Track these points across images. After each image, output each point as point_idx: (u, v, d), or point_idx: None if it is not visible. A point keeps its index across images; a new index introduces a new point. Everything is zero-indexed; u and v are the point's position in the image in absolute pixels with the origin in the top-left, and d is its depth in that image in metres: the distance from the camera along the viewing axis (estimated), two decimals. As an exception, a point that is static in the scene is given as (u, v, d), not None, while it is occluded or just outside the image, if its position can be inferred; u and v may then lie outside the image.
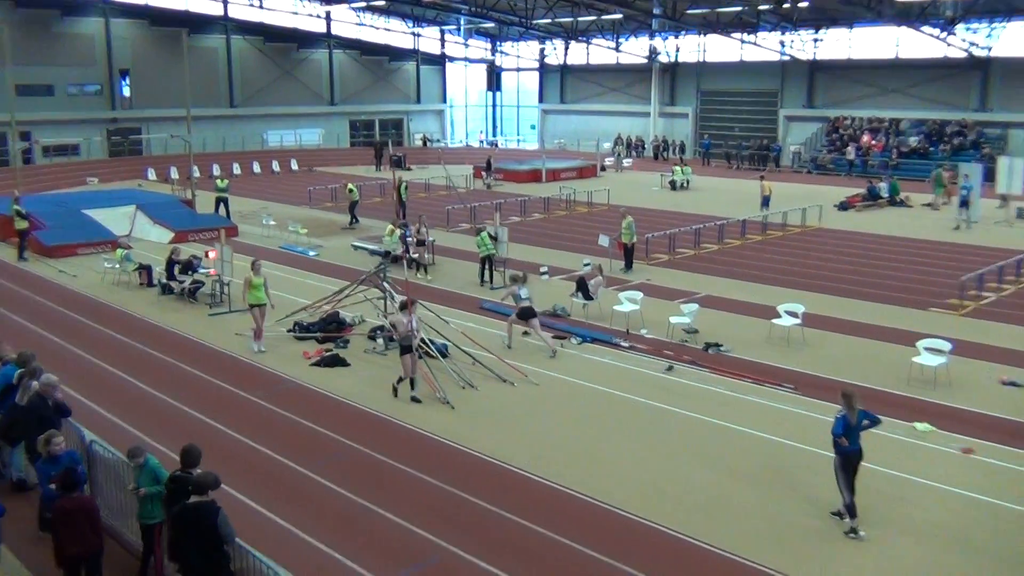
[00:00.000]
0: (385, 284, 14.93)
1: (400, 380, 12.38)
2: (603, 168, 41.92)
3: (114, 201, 26.81)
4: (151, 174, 41.10)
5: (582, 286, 16.20)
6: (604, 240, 20.16)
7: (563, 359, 14.05)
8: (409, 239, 21.57)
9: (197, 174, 38.79)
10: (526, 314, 14.30)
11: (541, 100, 55.86)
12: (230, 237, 23.33)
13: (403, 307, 12.32)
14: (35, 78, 41.68)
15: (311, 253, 23.05)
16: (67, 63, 41.94)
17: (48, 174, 39.64)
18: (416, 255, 20.89)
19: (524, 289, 14.63)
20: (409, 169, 44.31)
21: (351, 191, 28.23)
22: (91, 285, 19.38)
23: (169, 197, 29.54)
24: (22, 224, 22.08)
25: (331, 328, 15.24)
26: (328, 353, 14.25)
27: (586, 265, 18.99)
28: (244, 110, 48.92)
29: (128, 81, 45.77)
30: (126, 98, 46.48)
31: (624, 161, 43.89)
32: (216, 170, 41.39)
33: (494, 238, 18.93)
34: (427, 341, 13.78)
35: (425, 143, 53.37)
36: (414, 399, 12.08)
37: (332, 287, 17.78)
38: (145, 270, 19.37)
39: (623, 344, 14.51)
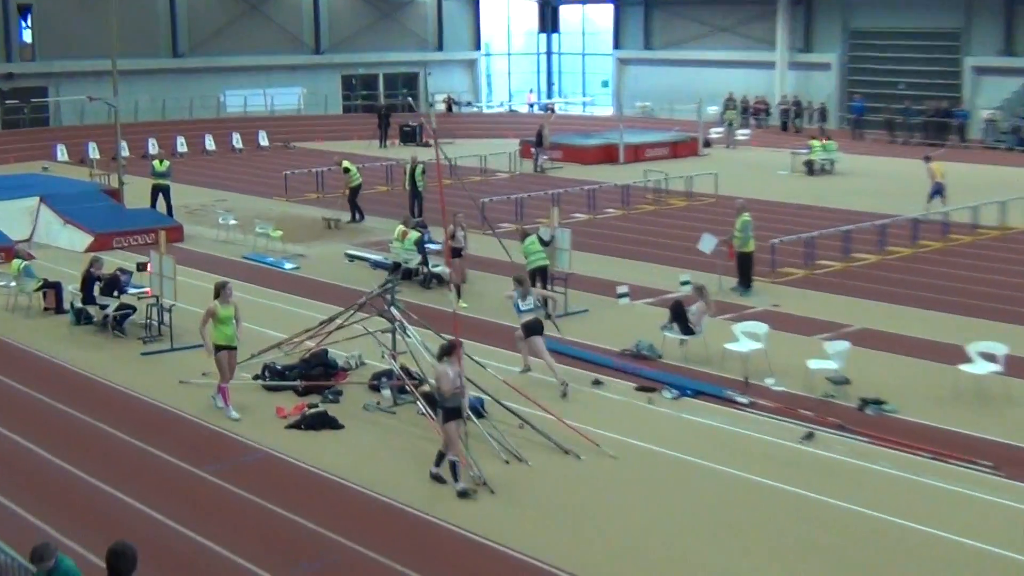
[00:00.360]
0: (394, 310, 14.96)
1: (441, 461, 11.99)
2: (707, 143, 41.74)
3: (9, 191, 27.67)
4: (61, 153, 42.57)
5: (679, 314, 16.20)
6: (708, 244, 19.99)
7: (653, 420, 14.06)
8: (431, 245, 22.10)
9: (126, 153, 40.29)
10: (531, 329, 14.82)
11: (617, 46, 55.59)
12: (172, 243, 23.98)
13: (446, 352, 11.94)
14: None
15: (288, 265, 23.49)
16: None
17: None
18: (440, 268, 21.26)
19: (529, 298, 15.41)
20: (427, 144, 45.33)
21: (349, 172, 28.75)
22: (-23, 311, 20.14)
23: (87, 185, 30.60)
24: None
25: (316, 374, 15.47)
26: (312, 410, 14.43)
27: (685, 284, 18.90)
28: (193, 61, 50.21)
29: (29, 21, 47.51)
30: (26, 45, 48.10)
31: (738, 133, 43.74)
32: (153, 147, 42.55)
33: (547, 243, 19.08)
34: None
35: (450, 107, 53.98)
36: (463, 494, 11.61)
37: (318, 315, 18.02)
38: (52, 290, 19.88)
39: (740, 400, 14.51)
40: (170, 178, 28.58)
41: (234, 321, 14.39)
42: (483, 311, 18.98)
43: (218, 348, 14.37)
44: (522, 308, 15.38)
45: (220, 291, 14.49)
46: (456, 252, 19.47)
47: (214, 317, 14.30)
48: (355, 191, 28.53)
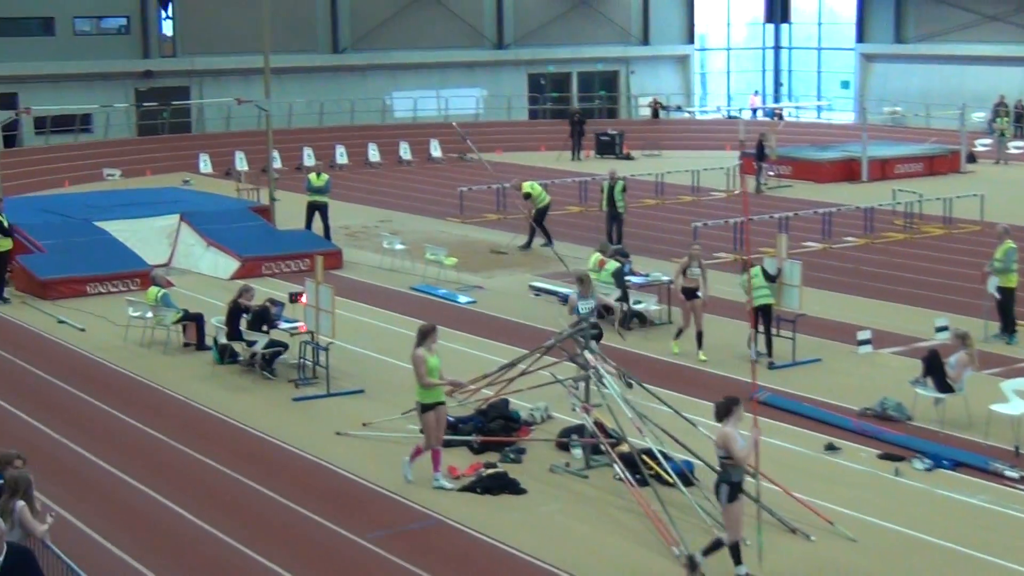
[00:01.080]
0: (588, 354, 15.08)
1: (715, 547, 11.69)
2: (972, 158, 41.34)
3: (146, 208, 29.44)
4: (204, 163, 44.93)
5: (934, 367, 15.93)
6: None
7: (900, 495, 13.88)
8: (632, 278, 22.32)
9: (278, 164, 42.86)
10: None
11: (860, 39, 55.30)
12: (330, 270, 24.96)
13: (726, 411, 11.63)
14: (21, 7, 46.68)
15: (463, 299, 24.10)
16: (76, -16, 47.76)
17: (43, 163, 43.78)
18: (642, 306, 21.39)
19: (591, 300, 16.60)
20: (629, 157, 45.96)
21: (532, 194, 29.32)
22: (107, 345, 21.13)
23: (233, 202, 32.35)
24: (3, 244, 24.53)
25: (495, 428, 15.76)
26: (490, 470, 14.62)
27: (942, 331, 18.45)
28: (356, 58, 52.49)
29: (170, 11, 50.36)
30: (167, 39, 51.27)
31: (1010, 145, 43.12)
32: (310, 158, 44.64)
33: (773, 278, 19.02)
34: (655, 454, 14.06)
35: (656, 112, 54.19)
36: None
37: (497, 358, 18.39)
38: (193, 322, 20.87)
39: (1010, 474, 14.28)
40: (328, 194, 29.75)
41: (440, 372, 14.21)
42: (716, 363, 19.00)
43: (425, 407, 14.20)
44: (581, 311, 16.48)
45: (426, 336, 14.27)
46: (690, 292, 19.41)
47: (424, 364, 14.09)
48: (542, 212, 29.06)
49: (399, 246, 27.52)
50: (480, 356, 19.41)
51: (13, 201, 29.91)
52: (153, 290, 21.02)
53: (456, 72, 53.52)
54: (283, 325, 19.44)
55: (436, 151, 47.31)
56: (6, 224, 24.40)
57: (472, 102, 53.20)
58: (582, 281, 17.06)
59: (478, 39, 54.35)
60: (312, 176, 29.96)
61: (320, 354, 18.42)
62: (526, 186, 29.67)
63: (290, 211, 30.99)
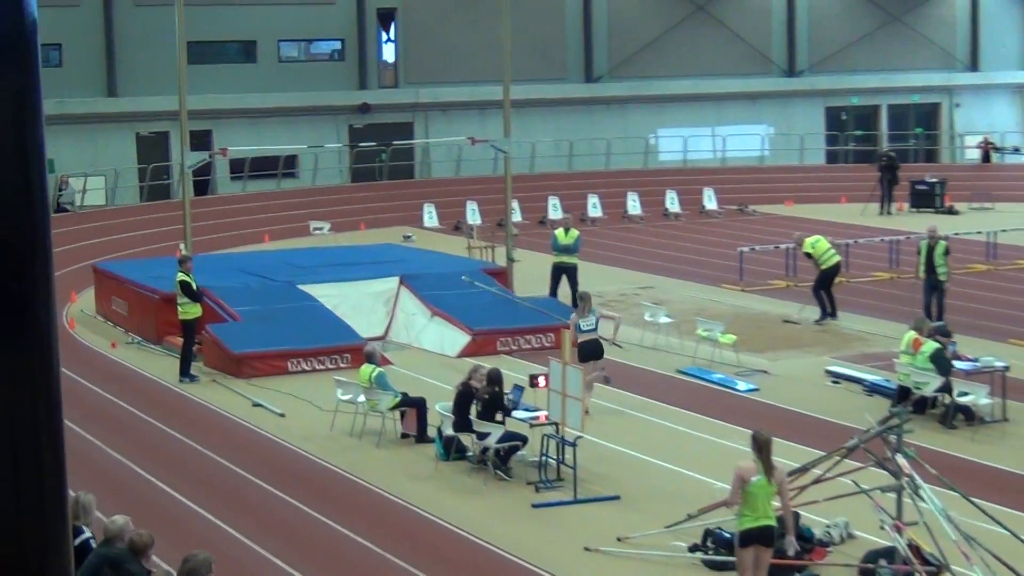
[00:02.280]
0: (901, 459, 14.72)
1: None
2: None
3: (359, 270, 30.61)
4: (429, 216, 46.60)
5: None
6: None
7: None
8: (959, 364, 21.62)
9: (518, 217, 44.44)
10: (588, 353, 17.11)
11: None
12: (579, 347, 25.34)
13: None
14: (217, 29, 49.58)
15: (743, 386, 24.04)
16: (275, 0, 49.79)
17: (240, 213, 46.31)
18: (970, 398, 20.77)
19: (591, 318, 18.72)
20: (952, 212, 44.92)
21: (814, 254, 29.20)
22: (311, 433, 21.77)
23: (463, 263, 33.08)
24: (190, 311, 25.65)
25: (782, 547, 15.62)
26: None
27: None
28: (613, 88, 54.36)
29: (393, 34, 53.13)
30: (388, 67, 53.92)
31: None
32: (556, 209, 45.99)
33: None
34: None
35: (988, 154, 53.16)
36: None
37: (786, 461, 17.86)
38: (413, 409, 21.26)
39: None
40: (578, 254, 30.11)
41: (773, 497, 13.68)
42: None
43: (745, 538, 13.79)
44: (582, 328, 18.54)
45: (763, 446, 13.87)
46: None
47: (743, 484, 13.64)
48: (828, 274, 28.85)
49: (664, 319, 27.53)
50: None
51: (204, 260, 31.42)
52: (367, 369, 21.44)
53: (736, 105, 53.67)
54: (521, 414, 19.58)
55: (710, 202, 47.27)
56: (195, 287, 25.46)
57: (756, 141, 53.11)
58: (582, 299, 18.60)
59: (764, 65, 54.39)
60: (559, 232, 30.33)
61: (566, 451, 18.53)
62: (807, 243, 29.40)
63: (532, 274, 31.55)
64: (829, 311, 28.66)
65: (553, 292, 29.89)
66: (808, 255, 29.35)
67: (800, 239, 30.25)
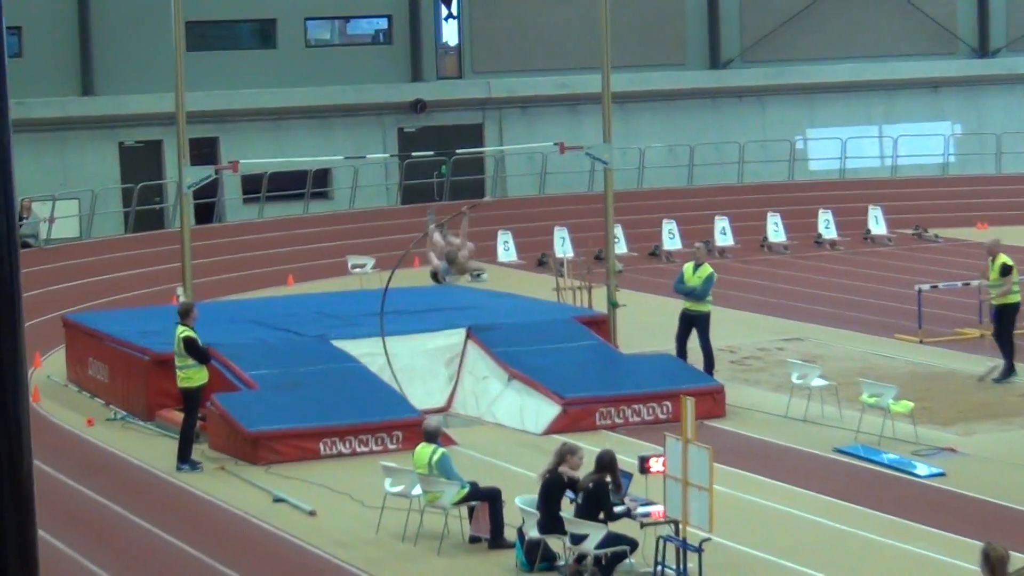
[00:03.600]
0: None
1: None
2: None
3: (414, 320, 30.61)
4: (506, 247, 46.78)
5: None
6: None
7: None
8: None
9: (622, 247, 44.05)
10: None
11: None
12: (705, 418, 25.24)
13: None
14: (222, 6, 49.60)
15: (924, 469, 23.82)
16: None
17: (255, 246, 46.72)
18: None
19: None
20: None
21: (1001, 284, 29.21)
22: (350, 538, 21.80)
23: (551, 310, 32.99)
24: (194, 376, 25.55)
25: None
26: None
27: None
28: (745, 75, 54.31)
29: (456, 9, 52.58)
30: (450, 51, 53.58)
31: None
32: (673, 236, 45.94)
33: None
34: None
35: None
36: None
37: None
38: (486, 504, 21.13)
39: None
40: (710, 298, 29.95)
41: None
42: None
43: None
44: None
45: (996, 566, 13.86)
46: None
47: None
48: (1008, 313, 29.03)
49: (818, 381, 27.39)
50: (954, 567, 19.02)
51: (209, 309, 31.44)
52: (424, 450, 21.33)
53: (911, 97, 53.59)
54: (640, 511, 19.44)
55: (878, 225, 47.02)
56: (201, 345, 25.56)
57: (937, 144, 52.79)
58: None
59: (947, 43, 54.09)
60: (686, 268, 30.14)
61: (688, 557, 18.49)
62: (999, 262, 29.40)
63: (642, 323, 31.68)
64: (1010, 367, 28.53)
65: (680, 349, 29.78)
66: (1005, 271, 29.19)
67: (994, 247, 30.06)
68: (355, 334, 29.38)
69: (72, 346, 32.20)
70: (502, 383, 28.13)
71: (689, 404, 19.15)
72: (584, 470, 19.64)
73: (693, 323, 29.58)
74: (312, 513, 22.90)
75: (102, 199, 46.87)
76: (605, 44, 30.50)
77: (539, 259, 43.93)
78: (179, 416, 25.96)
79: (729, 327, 33.33)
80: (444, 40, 52.18)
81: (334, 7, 51.00)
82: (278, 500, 23.51)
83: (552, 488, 19.49)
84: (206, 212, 47.26)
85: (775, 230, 46.52)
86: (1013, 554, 18.99)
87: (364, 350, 28.59)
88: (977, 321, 33.38)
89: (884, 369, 29.44)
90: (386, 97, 50.01)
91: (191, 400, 25.56)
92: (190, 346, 25.22)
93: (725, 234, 45.91)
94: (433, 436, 21.61)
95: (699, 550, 18.30)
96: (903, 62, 53.35)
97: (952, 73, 53.76)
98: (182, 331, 25.35)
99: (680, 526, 18.56)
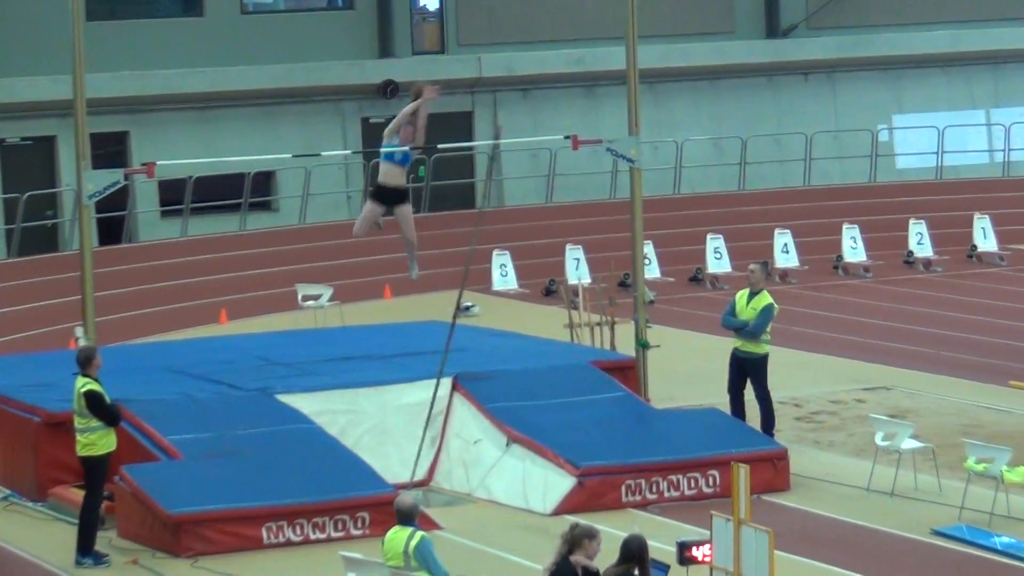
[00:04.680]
0: None
1: None
2: None
3: (384, 366, 30.68)
4: (504, 273, 47.00)
5: None
6: None
7: None
8: None
9: (654, 271, 44.59)
10: None
11: None
12: (764, 493, 25.38)
13: None
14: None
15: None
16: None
17: (177, 273, 46.62)
18: None
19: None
20: None
21: None
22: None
23: (562, 352, 33.05)
24: (99, 442, 25.13)
25: None
26: None
27: None
28: (811, 47, 54.34)
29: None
30: (428, 17, 53.50)
31: None
32: (716, 255, 46.18)
33: None
34: None
35: None
36: None
37: None
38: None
39: None
40: (767, 335, 29.80)
41: None
42: None
43: None
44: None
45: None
46: None
47: None
48: None
49: (910, 443, 27.41)
50: None
51: (117, 354, 31.60)
52: (399, 535, 21.01)
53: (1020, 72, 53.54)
54: (664, 610, 19.68)
55: (985, 240, 47.08)
56: (108, 401, 25.32)
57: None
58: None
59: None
60: (738, 298, 30.05)
61: None
62: None
63: (680, 367, 31.74)
64: None
65: (734, 402, 29.77)
66: None
67: None
68: (308, 386, 29.29)
69: (-62, 405, 32.19)
70: (499, 448, 28.07)
71: (742, 474, 19.19)
72: (605, 561, 19.57)
73: (746, 368, 29.52)
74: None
75: (-23, 213, 47.06)
76: (630, 7, 30.56)
77: (546, 287, 44.00)
78: (79, 495, 25.75)
79: (794, 373, 33.41)
80: (421, 4, 52.32)
81: (280, -36, 51.24)
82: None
83: (565, 584, 19.49)
84: (113, 229, 47.38)
85: (852, 247, 46.62)
86: None
87: (320, 407, 28.47)
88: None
89: (995, 426, 29.46)
90: (346, 78, 50.13)
91: (95, 473, 25.29)
92: (94, 403, 24.89)
93: (788, 253, 46.01)
94: (409, 517, 21.56)
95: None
96: (1015, 27, 53.45)
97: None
98: (83, 384, 25.01)
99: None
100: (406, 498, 22.59)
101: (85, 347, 26.66)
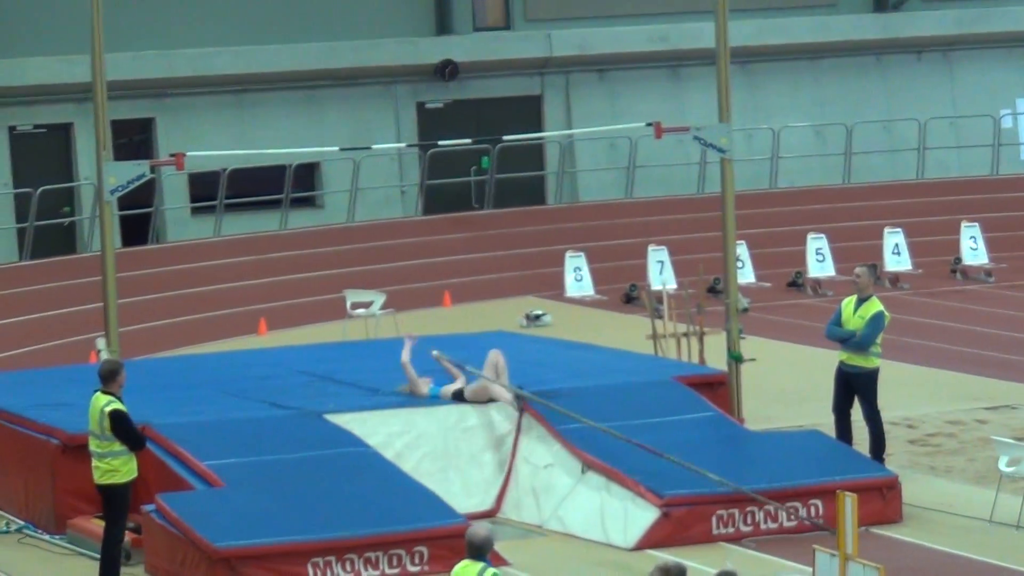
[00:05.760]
0: None
1: None
2: None
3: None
4: (577, 276, 46.82)
5: None
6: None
7: None
8: None
9: (750, 276, 45.39)
10: None
11: None
12: (874, 525, 25.40)
13: None
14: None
15: None
16: None
17: (210, 278, 46.90)
18: None
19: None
20: None
21: None
22: None
23: (644, 366, 33.14)
24: (120, 468, 24.93)
25: None
26: None
27: None
28: (921, 20, 54.33)
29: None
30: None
31: None
32: (818, 257, 45.91)
33: None
34: None
35: None
36: None
37: None
38: None
39: None
40: (877, 347, 29.77)
41: None
42: None
43: None
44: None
45: None
46: None
47: None
48: None
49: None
50: None
51: (144, 369, 31.77)
52: (467, 571, 21.30)
53: None
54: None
55: None
56: (131, 424, 25.15)
57: None
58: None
59: None
60: (844, 306, 30.02)
61: None
62: None
63: (778, 384, 31.88)
64: None
65: (840, 423, 29.81)
66: None
67: None
68: (360, 405, 29.35)
69: (-57, 427, 32.38)
70: (573, 475, 28.19)
71: (849, 503, 19.25)
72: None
73: (853, 384, 29.51)
74: None
75: (-15, 210, 47.30)
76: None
77: (626, 293, 44.08)
78: (101, 526, 25.74)
79: (907, 390, 33.45)
80: (482, -22, 52.56)
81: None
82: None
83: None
84: (138, 229, 47.50)
85: (972, 248, 46.60)
86: None
87: (373, 428, 28.55)
88: None
89: None
90: (400, 58, 50.18)
91: (118, 503, 25.09)
92: (119, 424, 24.68)
93: (899, 254, 46.01)
94: (481, 550, 21.51)
95: None
96: None
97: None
98: (106, 402, 24.77)
99: None
100: (480, 529, 22.48)
101: (108, 361, 26.56)
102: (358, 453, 28.02)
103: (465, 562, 21.23)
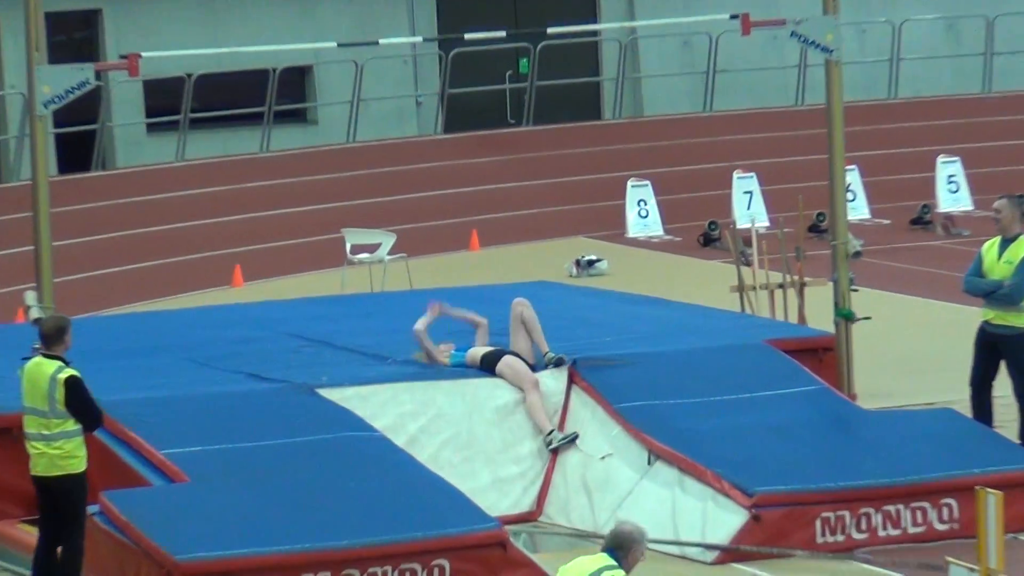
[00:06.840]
0: None
1: None
2: None
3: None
4: (641, 210, 47.76)
5: None
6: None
7: None
8: None
9: (864, 211, 45.63)
10: None
11: None
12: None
13: None
14: None
15: None
16: None
17: (167, 218, 47.34)
18: None
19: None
20: None
21: None
22: None
23: (725, 326, 33.44)
24: (76, 452, 25.08)
25: None
26: None
27: None
28: None
29: None
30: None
31: None
32: (951, 187, 46.77)
33: None
34: None
35: None
36: None
37: None
38: None
39: None
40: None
41: None
42: None
43: None
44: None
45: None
46: None
47: None
48: None
49: None
50: None
51: (85, 328, 31.47)
52: (582, 568, 21.55)
53: None
54: None
55: None
56: (89, 393, 25.23)
57: None
58: None
59: None
60: (986, 250, 29.98)
61: None
62: None
63: (900, 348, 32.08)
64: None
65: (978, 397, 29.73)
66: None
67: None
68: (363, 377, 29.28)
69: None
70: (637, 468, 28.15)
71: (991, 504, 19.28)
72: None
73: (1000, 349, 29.42)
74: None
75: None
76: None
77: (705, 233, 44.19)
78: (30, 534, 25.97)
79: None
80: None
81: None
82: None
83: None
84: (80, 151, 47.58)
85: None
86: None
87: (380, 406, 28.45)
88: None
89: None
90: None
91: (74, 497, 25.19)
92: (76, 393, 24.30)
93: (1032, 190, 46.13)
94: (620, 546, 21.34)
95: None
96: None
97: None
98: (56, 368, 24.23)
99: None
100: (627, 524, 22.41)
101: (55, 317, 26.20)
102: (360, 438, 27.80)
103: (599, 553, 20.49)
